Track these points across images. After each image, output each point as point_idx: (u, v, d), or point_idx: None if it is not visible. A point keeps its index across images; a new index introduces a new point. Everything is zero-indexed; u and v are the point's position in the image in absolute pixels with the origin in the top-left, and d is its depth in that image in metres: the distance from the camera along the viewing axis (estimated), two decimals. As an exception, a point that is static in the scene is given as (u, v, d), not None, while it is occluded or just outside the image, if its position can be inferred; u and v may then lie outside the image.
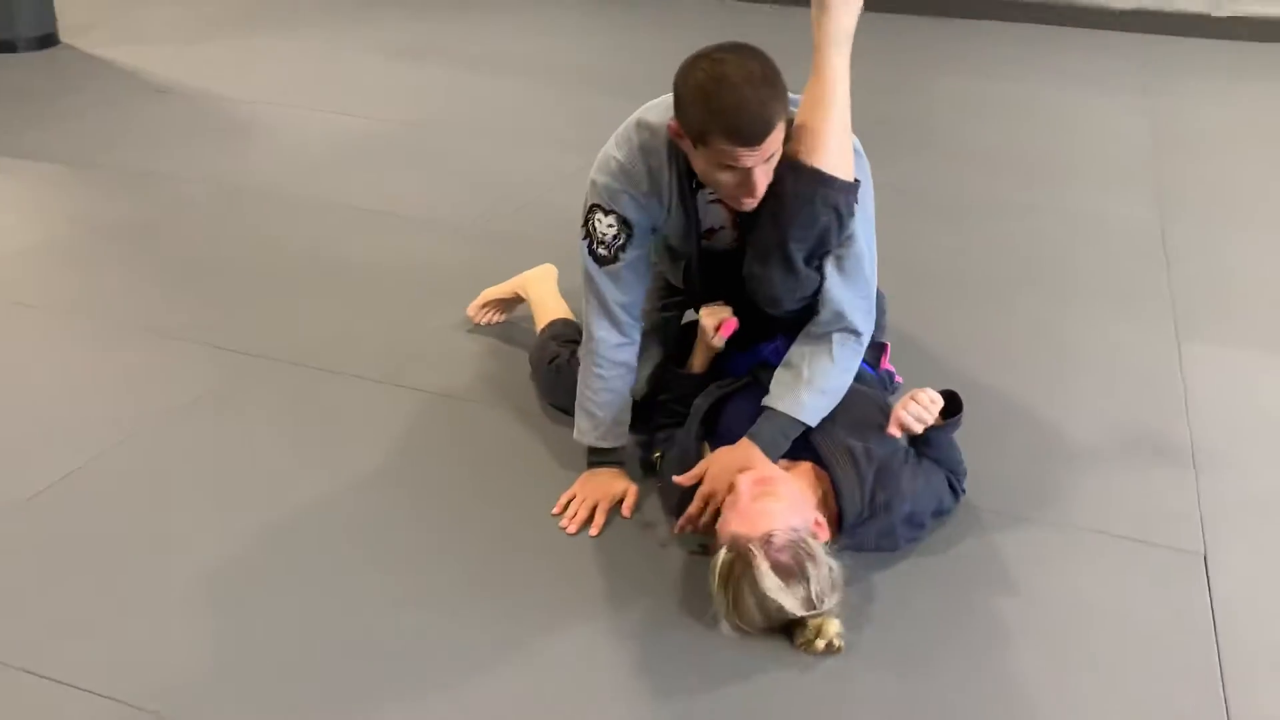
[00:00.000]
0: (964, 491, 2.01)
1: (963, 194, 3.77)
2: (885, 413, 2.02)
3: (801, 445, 1.90)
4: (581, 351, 2.10)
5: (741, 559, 1.64)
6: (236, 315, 2.76)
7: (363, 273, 3.02)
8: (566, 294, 2.60)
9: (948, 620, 1.78)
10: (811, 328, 1.92)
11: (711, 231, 1.99)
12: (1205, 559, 1.93)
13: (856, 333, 1.92)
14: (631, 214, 1.93)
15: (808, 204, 1.75)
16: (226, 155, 3.98)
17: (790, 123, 1.78)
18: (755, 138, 1.64)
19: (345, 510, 2.02)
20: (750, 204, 1.77)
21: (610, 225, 1.95)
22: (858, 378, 1.98)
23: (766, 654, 1.68)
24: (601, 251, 1.98)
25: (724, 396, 2.03)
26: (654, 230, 1.99)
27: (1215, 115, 4.96)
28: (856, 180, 1.80)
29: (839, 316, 1.89)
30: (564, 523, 1.98)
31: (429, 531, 1.97)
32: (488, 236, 3.33)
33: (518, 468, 2.16)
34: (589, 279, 2.03)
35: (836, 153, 1.75)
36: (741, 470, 1.81)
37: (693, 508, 1.88)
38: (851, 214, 1.80)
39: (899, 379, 2.26)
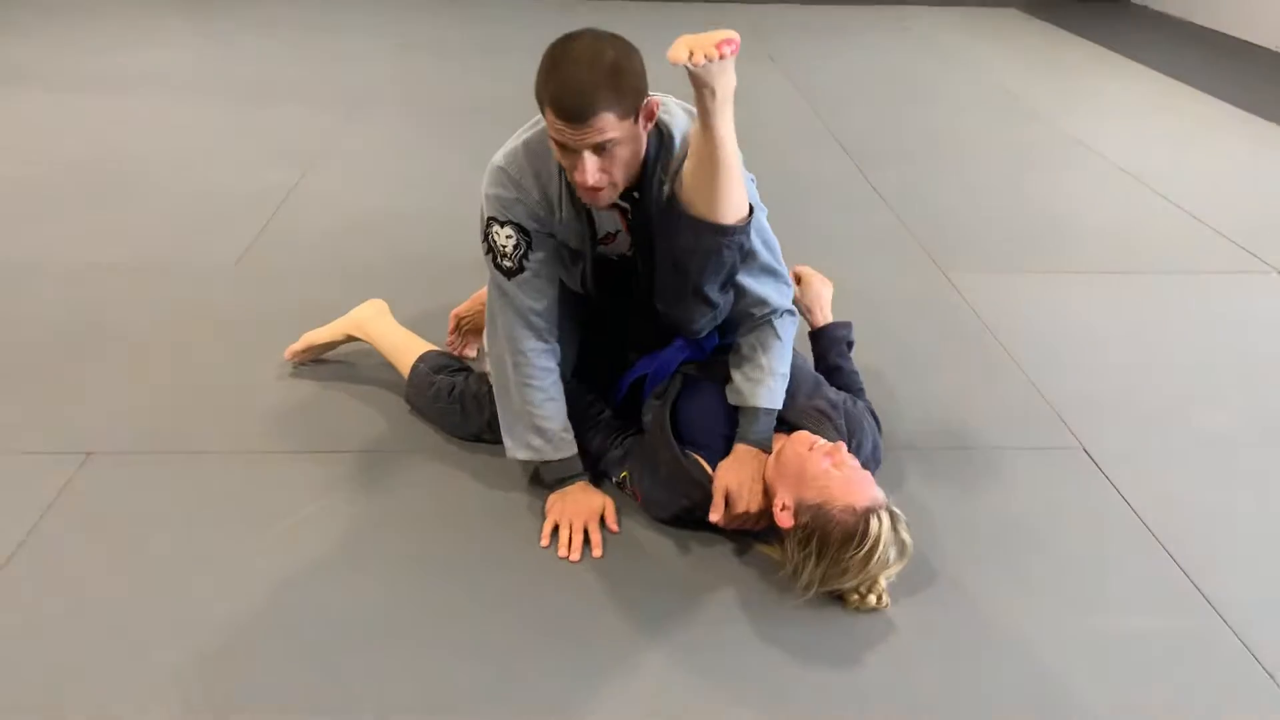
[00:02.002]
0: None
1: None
2: (800, 372, 2.12)
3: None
4: (507, 369, 2.00)
5: (866, 522, 1.69)
6: (12, 413, 2.27)
7: (138, 337, 2.59)
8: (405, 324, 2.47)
9: (939, 554, 1.93)
10: (749, 320, 1.98)
11: (610, 236, 1.98)
12: (1086, 451, 2.26)
13: (790, 310, 2.02)
14: (527, 222, 1.88)
15: (714, 255, 1.79)
16: None
17: (679, 161, 1.78)
18: (574, 114, 1.62)
19: (311, 611, 1.76)
20: (589, 196, 1.76)
21: (509, 236, 1.89)
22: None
23: (824, 623, 1.75)
24: (507, 264, 1.91)
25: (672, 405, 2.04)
26: (551, 235, 1.94)
27: (840, 71, 5.61)
28: (751, 207, 1.82)
29: (773, 308, 1.97)
30: (562, 552, 1.89)
31: (425, 612, 1.77)
32: (243, 271, 3.01)
33: (470, 511, 2.01)
34: (501, 294, 1.95)
35: (735, 203, 1.77)
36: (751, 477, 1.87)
37: (735, 525, 1.89)
38: (749, 238, 1.85)
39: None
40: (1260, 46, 6.57)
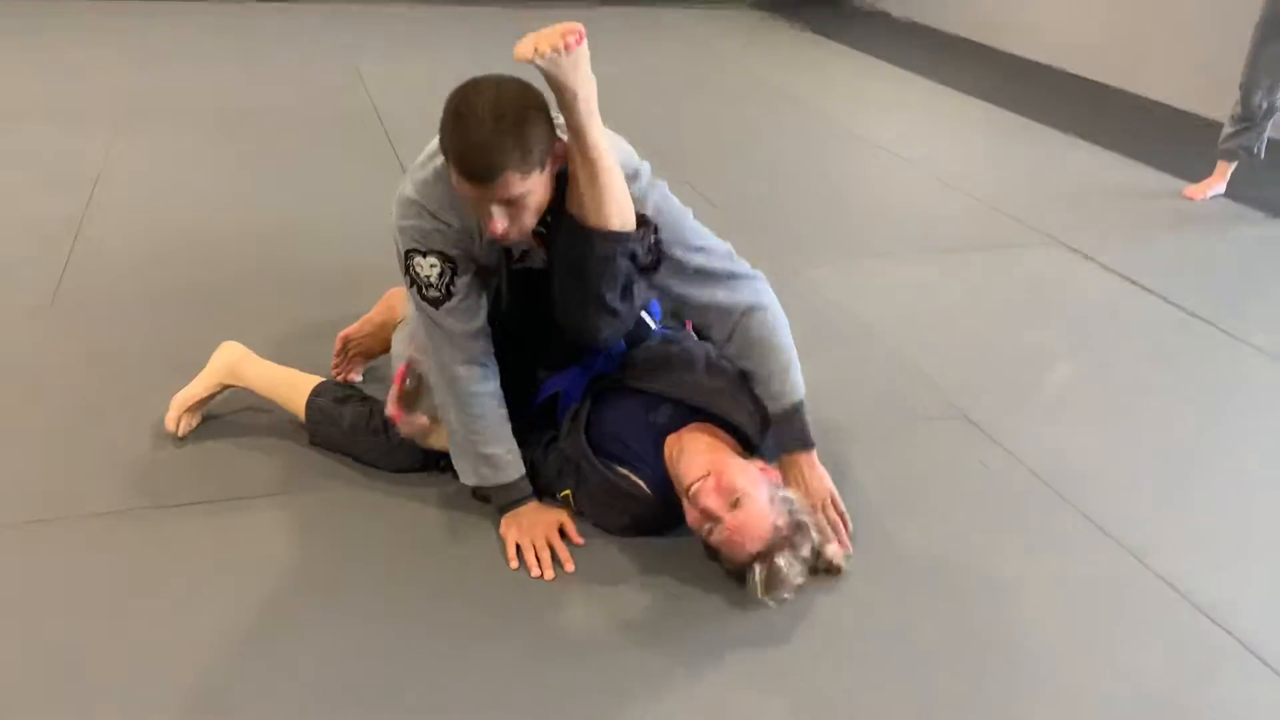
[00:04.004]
0: None
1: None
2: (690, 353, 2.12)
3: (685, 414, 1.98)
4: (446, 396, 1.94)
5: (766, 569, 1.77)
6: None
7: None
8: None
9: (870, 525, 2.05)
10: (722, 325, 1.98)
11: (525, 253, 1.95)
12: (967, 417, 2.46)
13: (757, 306, 1.99)
14: (449, 249, 1.83)
15: (609, 262, 1.78)
16: None
17: (557, 166, 1.75)
18: (479, 176, 1.61)
19: (280, 677, 1.63)
20: (499, 240, 1.75)
21: (432, 265, 1.83)
22: (645, 338, 2.11)
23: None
24: (433, 294, 1.85)
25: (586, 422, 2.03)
26: (473, 259, 1.90)
27: (608, 69, 5.68)
28: (645, 219, 1.83)
29: (739, 303, 1.98)
30: (535, 572, 1.85)
31: (406, 664, 1.69)
32: (64, 308, 2.71)
33: (422, 540, 1.93)
34: (430, 324, 1.89)
35: (618, 209, 1.76)
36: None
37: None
38: (648, 252, 1.85)
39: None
40: (967, 39, 7.27)
